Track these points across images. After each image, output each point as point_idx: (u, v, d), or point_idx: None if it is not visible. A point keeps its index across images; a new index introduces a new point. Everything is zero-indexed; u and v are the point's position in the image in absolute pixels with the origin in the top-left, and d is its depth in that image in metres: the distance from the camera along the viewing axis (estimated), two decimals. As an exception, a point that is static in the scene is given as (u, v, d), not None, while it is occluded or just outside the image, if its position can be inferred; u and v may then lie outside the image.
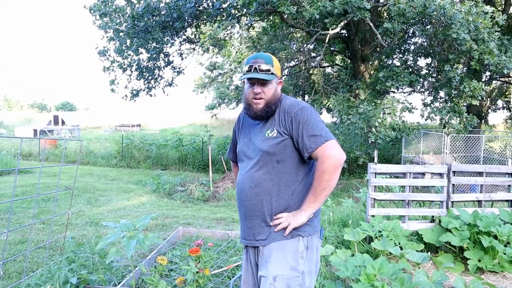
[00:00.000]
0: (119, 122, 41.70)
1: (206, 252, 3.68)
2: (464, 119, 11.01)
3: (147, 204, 8.29)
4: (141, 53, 13.62)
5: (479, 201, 4.93)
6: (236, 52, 16.53)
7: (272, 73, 2.06)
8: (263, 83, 2.05)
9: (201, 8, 12.21)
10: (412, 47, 15.06)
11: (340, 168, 2.01)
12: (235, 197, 9.70)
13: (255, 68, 2.05)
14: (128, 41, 12.89)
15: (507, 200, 5.07)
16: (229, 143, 2.62)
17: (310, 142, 2.00)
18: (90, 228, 5.92)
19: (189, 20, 12.61)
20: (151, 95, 14.87)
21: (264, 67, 2.04)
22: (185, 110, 51.41)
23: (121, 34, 12.69)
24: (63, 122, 35.65)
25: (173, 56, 14.81)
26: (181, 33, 13.99)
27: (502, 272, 4.05)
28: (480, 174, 4.99)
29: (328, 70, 20.53)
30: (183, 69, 15.25)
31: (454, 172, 4.84)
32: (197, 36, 15.58)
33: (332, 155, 1.96)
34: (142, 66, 13.83)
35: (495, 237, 4.18)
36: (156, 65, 14.25)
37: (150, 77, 14.38)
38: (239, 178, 2.16)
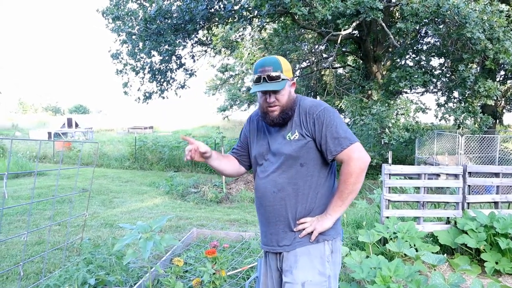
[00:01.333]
0: (132, 125, 42.06)
1: (222, 253, 3.69)
2: (479, 119, 10.87)
3: (161, 206, 8.34)
4: (153, 55, 13.72)
5: (496, 203, 4.86)
6: (248, 53, 16.56)
7: (282, 79, 1.97)
8: (275, 91, 1.98)
9: (212, 10, 12.26)
10: (425, 47, 14.93)
11: (365, 171, 1.97)
12: (248, 199, 9.75)
13: (264, 78, 1.95)
14: (141, 44, 13.00)
15: (524, 201, 4.99)
16: None
17: (335, 144, 1.95)
18: (105, 230, 5.97)
19: (201, 23, 12.67)
20: (163, 97, 14.95)
21: (273, 74, 1.96)
22: (197, 112, 51.65)
23: (133, 37, 12.80)
24: (76, 125, 36.07)
25: (185, 59, 14.90)
26: (193, 35, 14.06)
27: (520, 275, 4.00)
28: (496, 175, 4.93)
29: (340, 71, 20.44)
30: (195, 71, 15.32)
31: (469, 173, 4.78)
32: (209, 38, 15.64)
33: (357, 158, 1.93)
34: (154, 68, 13.93)
35: (513, 239, 4.13)
36: (168, 67, 14.34)
37: (162, 80, 14.47)
38: (259, 182, 2.09)
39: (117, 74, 13.96)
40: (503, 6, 9.00)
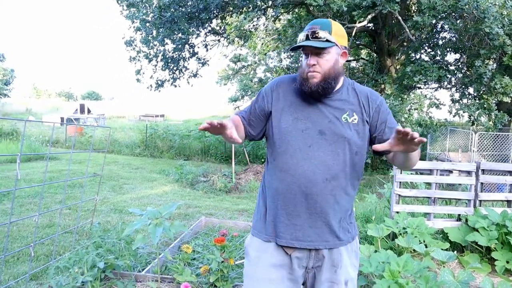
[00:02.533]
0: (143, 112, 42.27)
1: (231, 242, 3.70)
2: (494, 116, 10.72)
3: (170, 193, 8.38)
4: (166, 43, 13.73)
5: (509, 201, 4.79)
6: (262, 44, 16.48)
7: (327, 41, 1.70)
8: (318, 52, 1.71)
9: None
10: (441, 42, 14.71)
11: None
12: (257, 189, 9.74)
13: (307, 35, 1.71)
14: (154, 32, 13.01)
15: (538, 201, 4.91)
16: None
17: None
18: (114, 215, 6.02)
19: (215, 12, 12.62)
20: (175, 86, 14.99)
21: (320, 34, 1.69)
22: (208, 102, 51.73)
23: (147, 24, 12.81)
24: (89, 111, 36.34)
25: (198, 47, 14.88)
26: (207, 24, 14.02)
27: (531, 274, 3.95)
28: (510, 173, 4.85)
29: (353, 64, 20.27)
30: (207, 61, 15.30)
31: (483, 170, 4.72)
32: (222, 28, 15.58)
33: None
34: (167, 56, 13.95)
35: (525, 238, 4.07)
36: (181, 56, 14.34)
37: (175, 68, 14.48)
38: (296, 163, 1.75)
39: (130, 61, 14.01)
40: (525, 1, 8.82)
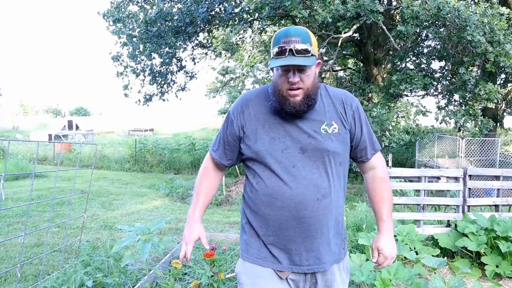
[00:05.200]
0: (132, 127, 42.07)
1: (221, 256, 3.67)
2: (480, 122, 10.86)
3: (161, 208, 8.32)
4: (153, 58, 13.73)
5: (496, 206, 4.84)
6: (249, 56, 16.57)
7: (311, 55, 1.57)
8: (301, 69, 1.57)
9: (213, 13, 12.27)
10: (426, 50, 14.93)
11: None
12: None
13: (290, 50, 1.53)
14: (141, 46, 13.02)
15: (525, 205, 4.97)
16: None
17: (370, 145, 1.78)
18: (104, 232, 5.96)
19: (202, 25, 12.69)
20: (164, 100, 14.96)
21: (300, 46, 1.54)
22: (198, 115, 51.70)
23: (134, 39, 12.82)
24: (77, 127, 36.09)
25: (186, 61, 14.91)
26: (194, 37, 14.07)
27: (521, 278, 3.98)
28: (497, 178, 4.91)
29: (341, 73, 20.44)
30: (195, 74, 15.32)
31: (470, 176, 4.77)
32: (209, 41, 15.65)
33: (384, 164, 1.84)
34: (155, 71, 13.95)
35: (513, 242, 4.10)
36: (168, 70, 14.35)
37: (163, 82, 14.49)
38: (285, 188, 1.63)
39: (117, 76, 13.97)
40: (504, 9, 9.00)
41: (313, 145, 1.63)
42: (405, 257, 4.11)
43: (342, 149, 1.68)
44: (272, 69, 1.65)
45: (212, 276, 2.62)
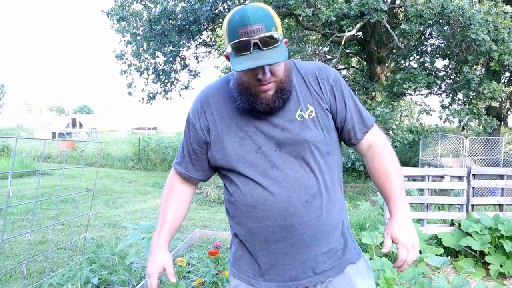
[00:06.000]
0: (136, 125, 42.21)
1: (225, 254, 3.68)
2: (484, 121, 10.85)
3: (164, 206, 8.34)
4: (157, 56, 13.78)
5: (500, 205, 4.83)
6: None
7: (279, 40, 1.26)
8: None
9: (217, 11, 12.29)
10: (429, 49, 14.90)
11: None
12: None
13: (256, 44, 1.22)
14: (145, 45, 13.06)
15: (529, 204, 4.97)
16: None
17: (363, 120, 1.47)
18: (108, 230, 5.99)
19: (205, 24, 12.71)
20: (167, 98, 15.02)
21: (268, 36, 1.22)
22: (201, 113, 51.76)
23: (138, 38, 12.86)
24: (80, 125, 36.25)
25: (189, 60, 14.96)
26: (197, 36, 14.11)
27: (525, 278, 3.98)
28: (501, 177, 4.90)
29: (344, 72, 20.43)
30: (199, 72, 15.36)
31: (474, 175, 4.76)
32: (212, 40, 15.68)
33: (384, 136, 1.52)
34: (158, 69, 14.00)
35: (517, 241, 4.10)
36: (172, 68, 14.39)
37: (166, 80, 14.53)
38: (266, 195, 1.34)
39: (121, 74, 14.03)
40: (508, 8, 8.98)
41: (290, 138, 1.34)
42: (408, 256, 4.10)
43: (326, 136, 1.38)
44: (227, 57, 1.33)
45: (216, 274, 2.63)
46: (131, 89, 14.24)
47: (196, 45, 15.05)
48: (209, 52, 16.19)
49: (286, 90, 1.32)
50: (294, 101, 1.38)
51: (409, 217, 1.41)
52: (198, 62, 15.40)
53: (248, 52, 1.22)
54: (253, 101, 1.32)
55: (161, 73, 14.18)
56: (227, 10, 12.07)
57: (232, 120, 1.40)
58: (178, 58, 14.22)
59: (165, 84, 14.67)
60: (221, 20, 12.54)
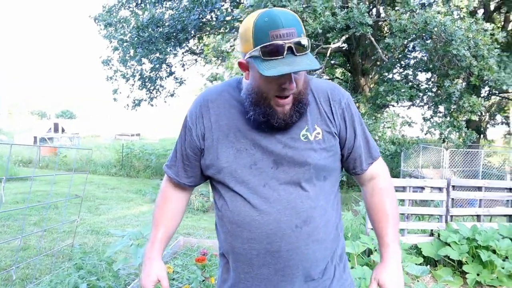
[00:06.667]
0: (119, 131, 41.83)
1: (210, 261, 3.72)
2: (463, 134, 11.12)
3: (147, 213, 8.32)
4: (143, 63, 13.79)
5: (478, 216, 4.98)
6: (239, 64, 16.72)
7: (308, 48, 1.18)
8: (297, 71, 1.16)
9: (204, 20, 12.39)
10: (412, 62, 15.23)
11: None
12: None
13: (290, 48, 1.13)
14: (132, 51, 13.06)
15: (505, 215, 5.13)
16: None
17: (369, 150, 1.41)
18: (91, 237, 5.96)
19: (192, 32, 12.79)
20: (152, 105, 15.01)
21: (301, 40, 1.14)
22: (185, 120, 51.56)
23: (125, 44, 12.87)
24: (63, 130, 35.74)
25: (175, 67, 14.99)
26: (184, 44, 14.17)
27: (501, 287, 4.10)
28: (479, 188, 5.06)
29: (329, 83, 20.67)
30: (185, 80, 15.40)
31: (453, 186, 4.91)
32: (199, 48, 15.76)
33: (388, 172, 1.48)
34: (144, 76, 14.00)
35: (494, 251, 4.23)
36: (158, 75, 14.41)
37: (152, 87, 14.53)
38: (254, 215, 1.25)
39: (107, 80, 13.98)
40: (488, 25, 9.28)
41: (290, 157, 1.26)
42: (389, 265, 4.20)
43: (328, 161, 1.30)
44: (246, 62, 1.22)
45: (203, 280, 2.68)
46: (116, 95, 14.20)
47: (182, 53, 15.10)
48: (196, 60, 16.27)
49: (303, 103, 1.24)
50: (302, 119, 1.28)
51: (399, 264, 1.36)
52: (184, 69, 15.45)
53: (281, 57, 1.12)
54: (269, 114, 1.21)
55: (147, 79, 14.19)
56: (214, 19, 12.19)
57: (231, 129, 1.30)
58: (164, 65, 14.25)
59: (151, 91, 14.67)
60: (208, 28, 12.64)
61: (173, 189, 1.47)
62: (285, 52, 1.12)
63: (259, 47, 1.13)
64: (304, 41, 1.14)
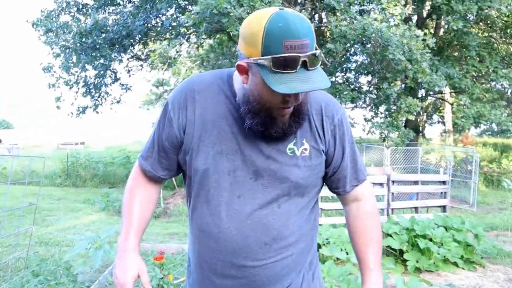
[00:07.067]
0: (61, 140, 40.20)
1: (168, 260, 3.79)
2: (401, 133, 11.79)
3: (97, 222, 8.18)
4: (87, 70, 13.46)
5: (416, 208, 5.40)
6: (186, 70, 16.70)
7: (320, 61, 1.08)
8: None
9: (149, 25, 12.32)
10: (354, 65, 15.91)
11: None
12: (186, 213, 9.73)
13: (304, 62, 1.03)
14: (75, 58, 12.71)
15: (440, 206, 5.59)
16: None
17: (356, 172, 1.33)
18: (40, 248, 5.81)
19: (138, 38, 12.68)
20: (97, 112, 14.66)
21: (315, 53, 1.05)
22: (131, 127, 50.53)
23: (67, 50, 12.52)
24: (0, 141, 33.88)
25: (121, 73, 14.75)
26: (129, 50, 13.99)
27: (437, 271, 4.49)
28: (415, 182, 5.49)
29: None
30: (131, 86, 15.18)
31: (393, 181, 5.29)
32: (145, 53, 15.60)
33: (373, 195, 1.42)
34: (89, 83, 13.66)
35: (430, 239, 4.60)
36: (103, 82, 14.11)
37: (97, 94, 14.21)
38: (219, 225, 1.20)
39: (49, 88, 13.50)
40: (419, 32, 9.96)
41: (272, 171, 1.18)
42: (337, 258, 4.47)
43: (310, 180, 1.24)
44: (247, 64, 1.09)
45: (162, 278, 2.77)
46: (59, 103, 13.75)
47: (127, 59, 14.89)
48: (141, 65, 16.08)
49: (303, 113, 1.16)
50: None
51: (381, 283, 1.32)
52: (129, 75, 15.22)
53: (294, 71, 1.02)
54: (268, 124, 1.13)
55: (91, 86, 13.85)
56: (160, 25, 12.15)
57: (214, 127, 1.20)
58: (109, 72, 13.98)
59: (96, 98, 14.34)
60: (153, 34, 12.57)
61: (145, 181, 1.34)
62: (298, 67, 1.02)
63: (270, 57, 1.02)
64: (318, 54, 1.06)
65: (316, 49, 1.05)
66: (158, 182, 1.36)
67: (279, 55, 1.00)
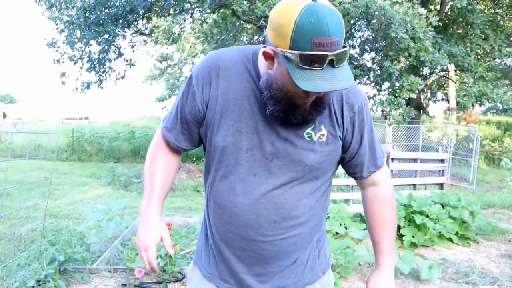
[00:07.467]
0: (66, 115, 40.41)
1: (175, 231, 3.99)
2: (403, 111, 11.88)
3: (104, 196, 8.40)
4: (91, 45, 13.47)
5: (414, 185, 5.55)
6: (190, 46, 16.67)
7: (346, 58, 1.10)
8: None
9: (153, 1, 12.27)
10: (358, 41, 15.85)
11: None
12: (190, 187, 9.99)
13: (331, 60, 1.04)
14: (78, 33, 12.70)
15: (437, 184, 5.74)
16: None
17: (374, 159, 1.37)
18: (50, 221, 6.01)
19: (141, 13, 12.64)
20: (102, 88, 14.74)
21: (343, 51, 1.06)
22: (135, 102, 50.59)
23: (71, 26, 12.51)
24: (4, 115, 34.13)
25: (125, 48, 14.76)
26: (133, 25, 13.97)
27: (432, 246, 4.68)
28: (415, 160, 5.63)
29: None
30: (134, 62, 15.20)
31: (392, 159, 5.43)
32: (149, 29, 15.56)
33: (390, 181, 1.45)
34: (93, 58, 13.69)
35: (427, 216, 4.76)
36: (107, 57, 14.14)
37: (101, 70, 14.26)
38: (235, 200, 1.25)
39: (54, 63, 13.56)
40: (423, 10, 9.92)
41: (288, 153, 1.22)
42: (336, 232, 4.65)
43: (325, 164, 1.27)
44: (274, 53, 1.09)
45: (169, 248, 2.95)
46: (64, 78, 13.83)
47: (131, 34, 14.86)
48: (145, 41, 16.06)
49: (324, 102, 1.19)
50: None
51: (393, 273, 1.40)
52: (133, 51, 15.23)
53: (320, 68, 1.03)
54: (289, 111, 1.16)
55: (96, 62, 13.89)
56: (163, 0, 12.10)
57: (236, 105, 1.23)
58: (113, 47, 13.99)
59: (100, 73, 14.39)
60: (157, 9, 12.53)
61: (168, 151, 1.38)
62: (325, 64, 1.03)
63: (298, 53, 1.02)
64: (346, 51, 1.06)
65: (344, 47, 1.05)
66: (180, 152, 1.41)
67: (307, 52, 1.01)
